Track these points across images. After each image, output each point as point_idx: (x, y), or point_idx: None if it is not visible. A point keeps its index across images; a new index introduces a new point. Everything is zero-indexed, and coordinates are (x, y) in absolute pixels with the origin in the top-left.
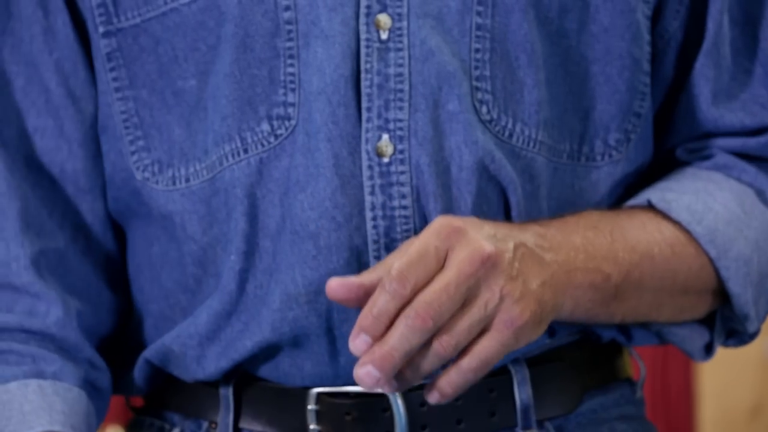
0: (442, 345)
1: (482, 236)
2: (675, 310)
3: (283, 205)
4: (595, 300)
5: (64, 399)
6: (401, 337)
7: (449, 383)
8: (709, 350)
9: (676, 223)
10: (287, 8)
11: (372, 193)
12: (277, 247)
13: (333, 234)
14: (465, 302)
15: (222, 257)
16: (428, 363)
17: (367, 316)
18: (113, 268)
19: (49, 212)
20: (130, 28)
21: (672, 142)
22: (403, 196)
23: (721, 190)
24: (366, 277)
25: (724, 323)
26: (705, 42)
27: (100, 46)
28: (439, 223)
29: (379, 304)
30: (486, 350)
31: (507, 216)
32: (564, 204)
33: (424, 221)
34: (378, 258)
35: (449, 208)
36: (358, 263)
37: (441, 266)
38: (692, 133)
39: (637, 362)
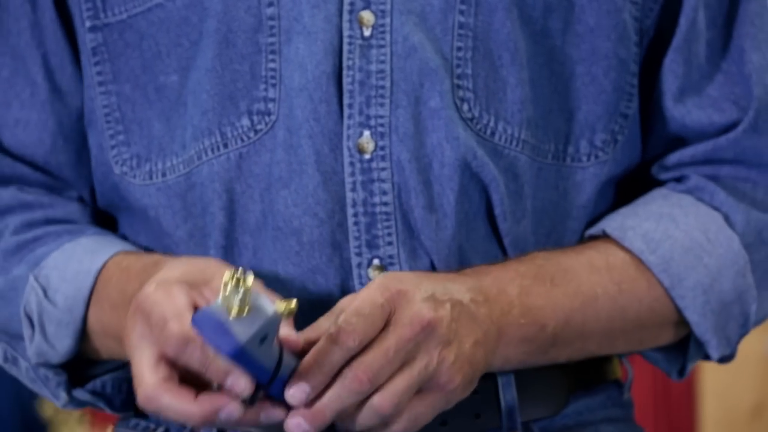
0: (384, 404)
1: (422, 298)
2: (632, 342)
3: (264, 200)
4: (529, 351)
5: (118, 239)
6: (337, 397)
7: None
8: (682, 372)
9: (630, 252)
10: (270, 4)
11: (353, 190)
12: (258, 243)
13: (315, 230)
14: (402, 364)
15: (196, 251)
16: (367, 418)
17: (313, 368)
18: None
19: (30, 203)
20: (117, 24)
21: (646, 142)
22: (384, 193)
23: (686, 216)
24: (309, 333)
25: (698, 348)
26: (675, 38)
27: (86, 40)
28: (384, 281)
29: (329, 357)
30: (418, 414)
31: (490, 214)
32: (548, 204)
33: (405, 218)
34: (359, 255)
35: (431, 205)
36: (341, 259)
37: (383, 325)
38: (662, 132)
39: (624, 364)
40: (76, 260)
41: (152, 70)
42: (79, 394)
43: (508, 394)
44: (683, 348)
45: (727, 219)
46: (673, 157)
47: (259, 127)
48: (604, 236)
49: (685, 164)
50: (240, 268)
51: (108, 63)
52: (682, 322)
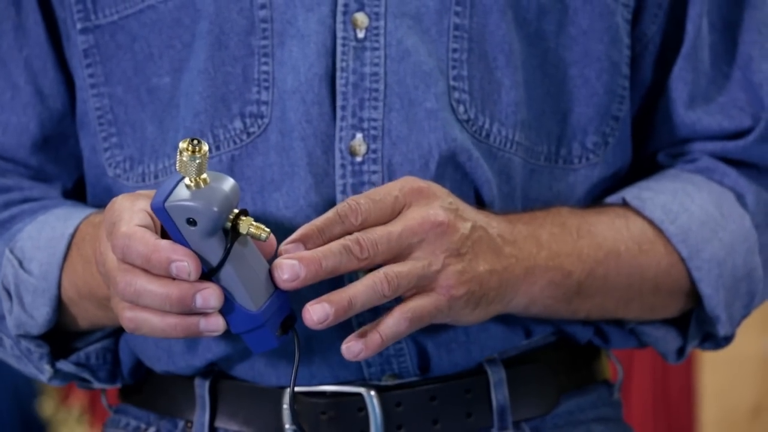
0: (388, 281)
1: (442, 205)
2: (645, 308)
3: (257, 203)
4: (555, 296)
5: (88, 207)
6: (332, 253)
7: (381, 329)
8: (681, 353)
9: (649, 221)
10: (263, 6)
11: (343, 192)
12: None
13: None
14: (404, 254)
15: None
16: (364, 291)
17: (312, 231)
18: None
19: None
20: (108, 25)
21: (652, 146)
22: None
23: (699, 192)
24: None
25: (699, 326)
26: (684, 46)
27: (78, 42)
28: (407, 179)
29: (326, 221)
30: (420, 306)
31: None
32: (541, 205)
33: None
34: None
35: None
36: None
37: (394, 216)
38: (671, 137)
39: (614, 364)
40: (49, 227)
41: (144, 71)
42: (63, 365)
43: (499, 393)
44: (684, 328)
45: (738, 198)
46: (680, 148)
47: (251, 129)
48: (623, 205)
49: (695, 152)
50: (196, 142)
51: (100, 65)
52: (692, 293)
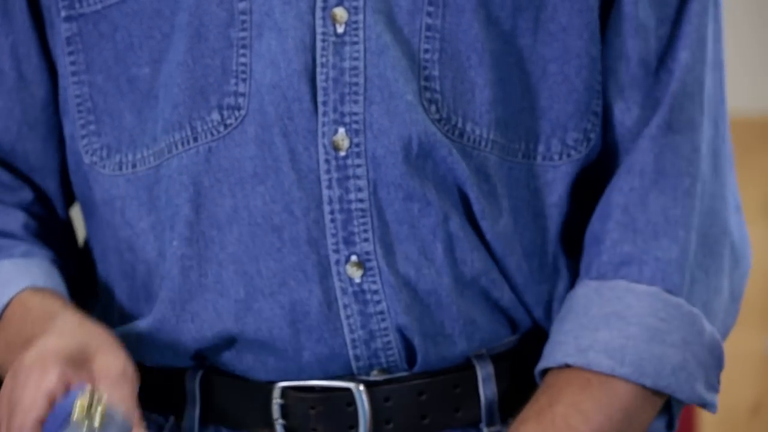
0: None
1: None
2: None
3: (236, 195)
4: None
5: (38, 266)
6: None
7: None
8: (670, 426)
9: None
10: None
11: (329, 187)
12: (229, 238)
13: (293, 227)
14: None
15: (153, 244)
16: None
17: None
18: (65, 245)
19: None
20: (91, 14)
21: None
22: (359, 189)
23: (630, 308)
24: None
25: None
26: (615, 35)
27: (61, 30)
28: None
29: None
30: None
31: (469, 210)
32: (521, 203)
33: (380, 214)
34: (337, 252)
35: (409, 198)
36: (318, 256)
37: None
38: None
39: None
40: None
41: (125, 61)
42: None
43: (487, 388)
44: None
45: (665, 287)
46: (612, 184)
47: (228, 121)
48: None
49: (620, 190)
50: (96, 394)
51: (82, 53)
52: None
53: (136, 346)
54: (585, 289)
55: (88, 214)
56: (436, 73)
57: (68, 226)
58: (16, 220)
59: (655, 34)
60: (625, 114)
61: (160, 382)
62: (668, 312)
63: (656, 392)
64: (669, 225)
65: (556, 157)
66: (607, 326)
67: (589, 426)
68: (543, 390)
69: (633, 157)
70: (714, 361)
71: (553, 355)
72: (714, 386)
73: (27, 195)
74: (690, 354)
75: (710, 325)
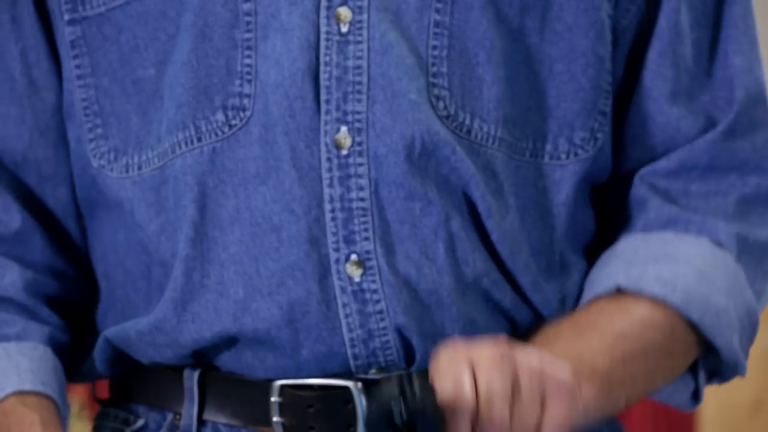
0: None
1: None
2: (666, 374)
3: (238, 196)
4: (597, 397)
5: (30, 358)
6: None
7: None
8: (696, 397)
9: (651, 299)
10: (247, 0)
11: (330, 186)
12: (231, 239)
13: (293, 226)
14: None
15: (167, 245)
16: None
17: None
18: (79, 252)
19: (13, 196)
20: (95, 17)
21: (632, 149)
22: (361, 188)
23: (678, 250)
24: None
25: (707, 367)
26: (658, 41)
27: (65, 33)
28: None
29: None
30: (553, 421)
31: (473, 210)
32: (528, 202)
33: (381, 213)
34: (337, 250)
35: (411, 198)
36: (318, 255)
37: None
38: (650, 136)
39: None
40: None
41: (130, 63)
42: None
43: None
44: (691, 371)
45: (712, 240)
46: (647, 170)
47: (233, 122)
48: (616, 292)
49: (659, 175)
50: None
51: (86, 56)
52: (701, 342)
53: (135, 344)
54: (630, 238)
55: (91, 217)
56: (444, 69)
57: (78, 237)
58: (11, 276)
59: (698, 41)
60: (675, 120)
61: (158, 379)
62: (715, 260)
63: (694, 333)
64: (718, 204)
65: (563, 156)
66: (656, 263)
67: (620, 351)
68: (582, 312)
69: (688, 155)
70: (750, 325)
71: (602, 282)
72: (746, 350)
73: (29, 226)
74: (732, 304)
75: (750, 290)
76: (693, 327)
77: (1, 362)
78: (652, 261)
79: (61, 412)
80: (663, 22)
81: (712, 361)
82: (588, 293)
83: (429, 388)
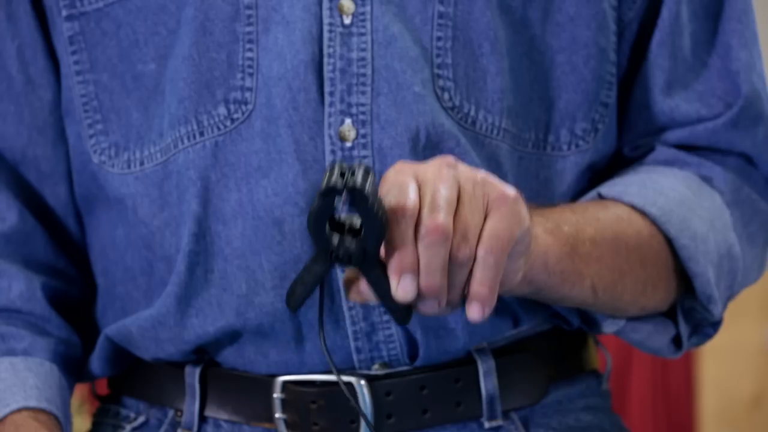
0: (461, 251)
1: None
2: (637, 285)
3: (241, 190)
4: (557, 253)
5: (36, 374)
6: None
7: (479, 282)
8: (678, 344)
9: (630, 206)
10: None
11: None
12: (234, 232)
13: (296, 219)
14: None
15: (171, 240)
16: (458, 276)
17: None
18: (78, 249)
19: (14, 194)
20: (93, 12)
21: (626, 136)
22: None
23: (665, 177)
24: None
25: (687, 317)
26: (658, 32)
27: (63, 29)
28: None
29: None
30: (493, 229)
31: None
32: (529, 193)
33: None
34: None
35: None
36: None
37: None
38: (647, 125)
39: (603, 355)
40: None
41: (130, 58)
42: None
43: (488, 383)
44: (672, 320)
45: (704, 179)
46: (646, 140)
47: (235, 116)
48: (599, 198)
49: (657, 142)
50: None
51: (85, 52)
52: (677, 274)
53: (137, 340)
54: (624, 168)
55: (90, 213)
56: (448, 60)
57: (75, 235)
58: (19, 286)
59: (698, 34)
60: (674, 111)
61: (159, 376)
62: (702, 192)
63: (671, 254)
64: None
65: (565, 147)
66: (641, 185)
67: (590, 229)
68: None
69: (685, 135)
70: (730, 271)
71: (588, 194)
72: (724, 297)
73: (36, 231)
74: (712, 236)
75: (734, 234)
76: (669, 244)
77: (9, 378)
78: (637, 183)
79: (64, 430)
80: (665, 13)
81: (690, 306)
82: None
83: (373, 185)
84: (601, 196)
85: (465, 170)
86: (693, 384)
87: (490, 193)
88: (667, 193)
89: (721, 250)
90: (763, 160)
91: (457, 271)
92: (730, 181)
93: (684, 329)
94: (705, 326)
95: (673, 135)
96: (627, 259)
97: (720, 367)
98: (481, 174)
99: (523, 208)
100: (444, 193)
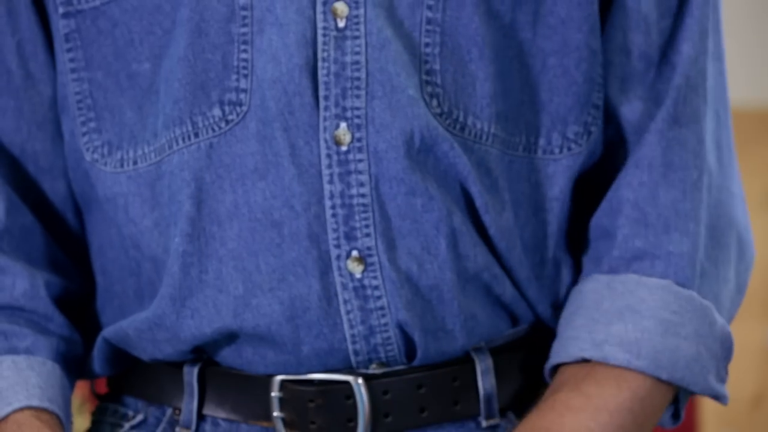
0: None
1: None
2: (648, 426)
3: (236, 191)
4: None
5: (38, 373)
6: None
7: None
8: (676, 417)
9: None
10: None
11: (330, 182)
12: (229, 234)
13: (294, 222)
14: None
15: (158, 240)
16: None
17: None
18: (77, 245)
19: (13, 189)
20: (90, 10)
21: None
22: (361, 184)
23: (643, 302)
24: None
25: (686, 395)
26: (616, 28)
27: (59, 26)
28: None
29: None
30: None
31: (471, 205)
32: (521, 196)
33: (382, 209)
34: (338, 247)
35: (412, 193)
36: (319, 251)
37: None
38: (606, 126)
39: None
40: None
41: (125, 57)
42: None
43: (486, 381)
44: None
45: (677, 281)
46: (617, 182)
47: (230, 117)
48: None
49: (623, 186)
50: None
51: (81, 50)
52: (676, 388)
53: (134, 341)
54: (595, 283)
55: (87, 211)
56: (437, 67)
57: (76, 230)
58: (22, 284)
59: (657, 26)
60: (627, 107)
61: (158, 374)
62: (681, 305)
63: (668, 384)
64: (679, 219)
65: (556, 150)
66: (621, 320)
67: (591, 407)
68: (552, 387)
69: (640, 151)
70: (724, 353)
71: (566, 350)
72: (723, 378)
73: (35, 227)
74: (703, 346)
75: (720, 317)
76: (664, 383)
77: (11, 376)
78: (616, 317)
79: (65, 430)
80: (622, 9)
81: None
82: (555, 356)
83: None
84: (583, 361)
85: None
86: None
87: None
88: (649, 327)
89: (714, 350)
90: (706, 160)
91: None
92: (694, 255)
93: (683, 406)
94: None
95: (632, 157)
96: (639, 426)
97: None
98: None
99: None
100: None
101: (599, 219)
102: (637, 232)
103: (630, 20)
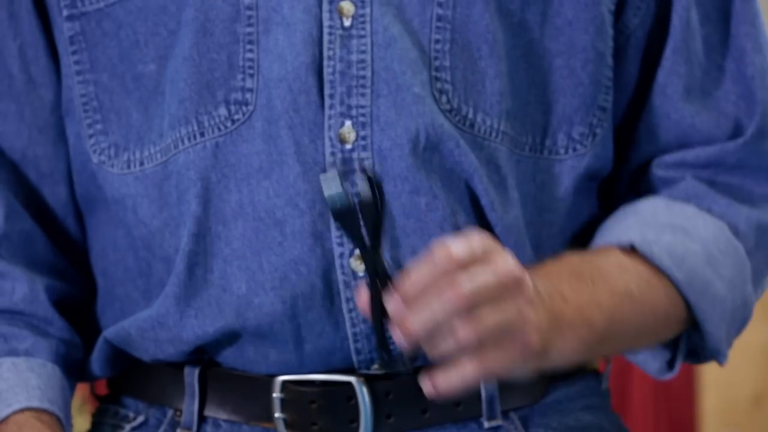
0: (467, 330)
1: (513, 261)
2: (651, 340)
3: (241, 190)
4: (579, 350)
5: (38, 375)
6: (429, 308)
7: (447, 381)
8: (671, 366)
9: (657, 267)
10: None
11: None
12: (234, 233)
13: (297, 221)
14: (491, 306)
15: (170, 241)
16: (446, 342)
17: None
18: (78, 250)
19: (14, 194)
20: (94, 12)
21: (649, 146)
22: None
23: (696, 228)
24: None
25: (689, 344)
26: (672, 39)
27: (64, 29)
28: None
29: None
30: (495, 362)
31: (476, 203)
32: (526, 196)
33: (386, 207)
34: (341, 245)
35: (416, 192)
36: (322, 249)
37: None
38: (669, 133)
39: None
40: None
41: (130, 58)
42: None
43: (488, 383)
44: (670, 344)
45: (730, 227)
46: (675, 156)
47: (236, 116)
48: (629, 248)
49: (687, 165)
50: None
51: (85, 52)
52: (689, 321)
53: (136, 341)
54: (654, 201)
55: (90, 214)
56: (447, 63)
57: (77, 235)
58: (22, 289)
59: (709, 36)
60: (695, 117)
61: (159, 376)
62: (728, 248)
63: (687, 312)
64: (743, 202)
65: (561, 151)
66: (673, 234)
67: (622, 312)
68: (599, 256)
69: (715, 153)
70: (741, 318)
71: (615, 235)
72: (730, 340)
73: (35, 232)
74: (731, 296)
75: (751, 285)
76: (687, 305)
77: (11, 377)
78: (669, 229)
79: (65, 431)
80: (675, 20)
81: (694, 339)
82: (601, 239)
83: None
84: (632, 247)
85: (522, 294)
86: (694, 383)
87: (520, 330)
88: (696, 250)
89: (737, 306)
90: None
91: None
92: (755, 222)
93: (681, 356)
94: (702, 357)
95: (702, 152)
96: (652, 325)
97: (721, 367)
98: (529, 316)
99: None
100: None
101: (659, 174)
102: (700, 184)
103: (684, 32)
